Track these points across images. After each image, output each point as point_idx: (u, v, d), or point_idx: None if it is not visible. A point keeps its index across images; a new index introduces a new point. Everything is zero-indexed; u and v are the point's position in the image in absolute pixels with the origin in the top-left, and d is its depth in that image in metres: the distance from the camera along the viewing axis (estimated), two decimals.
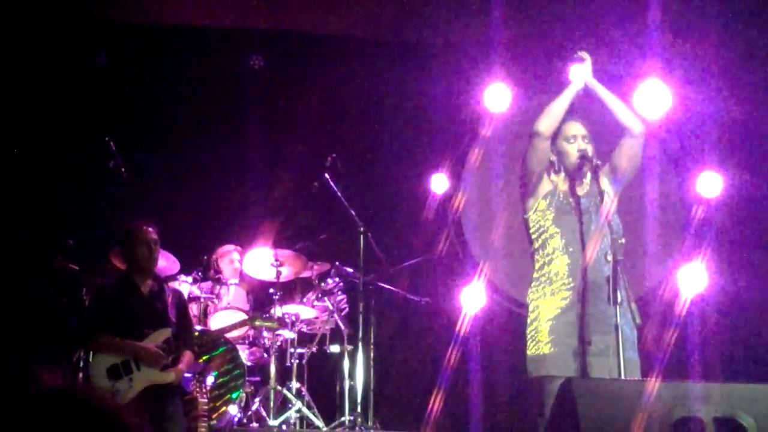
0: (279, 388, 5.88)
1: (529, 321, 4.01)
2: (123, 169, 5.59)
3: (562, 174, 4.12)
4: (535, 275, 4.03)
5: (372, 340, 6.16)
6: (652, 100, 6.11)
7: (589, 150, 4.04)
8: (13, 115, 6.54)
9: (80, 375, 5.17)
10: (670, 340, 5.13)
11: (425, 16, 6.75)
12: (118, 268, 5.64)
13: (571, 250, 3.94)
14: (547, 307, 3.91)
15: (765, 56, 6.25)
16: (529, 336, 3.97)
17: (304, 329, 6.42)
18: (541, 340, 3.87)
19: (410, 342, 7.04)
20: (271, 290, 6.15)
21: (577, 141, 4.07)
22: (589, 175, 4.06)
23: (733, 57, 6.29)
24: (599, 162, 3.94)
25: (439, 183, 6.67)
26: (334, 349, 6.40)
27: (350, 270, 6.27)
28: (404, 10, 6.75)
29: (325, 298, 6.38)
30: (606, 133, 4.16)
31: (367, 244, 6.02)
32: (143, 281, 4.93)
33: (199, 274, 6.42)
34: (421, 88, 6.92)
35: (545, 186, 4.09)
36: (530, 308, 4.03)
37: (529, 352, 3.93)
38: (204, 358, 5.79)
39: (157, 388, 4.72)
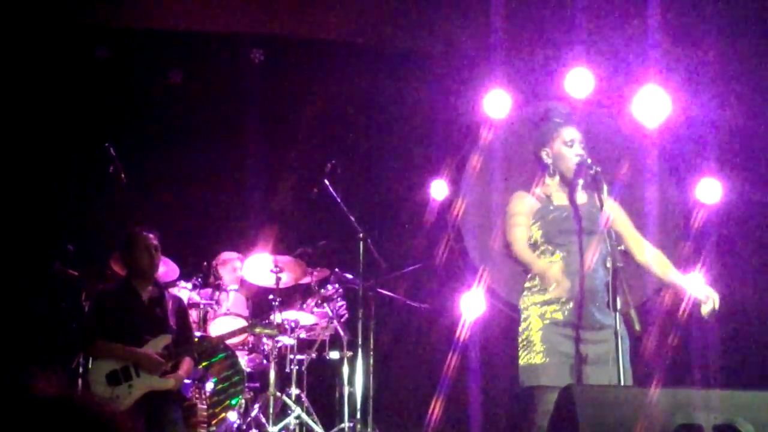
0: (278, 394, 5.88)
1: (520, 329, 3.96)
2: (123, 175, 5.59)
3: (557, 178, 4.11)
4: (527, 284, 4.00)
5: (371, 347, 6.15)
6: (651, 106, 6.15)
7: (586, 155, 4.03)
8: (12, 120, 6.54)
9: (79, 381, 5.17)
10: (670, 346, 5.13)
11: (425, 22, 6.76)
12: (118, 274, 5.65)
13: (565, 260, 3.90)
14: (539, 315, 3.88)
15: (764, 63, 6.25)
16: (521, 345, 3.92)
17: (304, 335, 6.42)
18: (534, 349, 3.83)
19: (410, 348, 7.04)
20: (271, 296, 6.14)
21: (575, 145, 4.06)
22: (582, 182, 4.05)
23: (733, 64, 6.30)
24: (599, 168, 3.92)
25: (438, 189, 6.67)
26: (334, 355, 6.40)
27: (350, 276, 6.27)
28: (404, 16, 6.76)
29: (325, 305, 6.38)
30: (606, 148, 4.13)
31: (366, 250, 6.01)
32: (144, 287, 4.93)
33: (199, 280, 6.43)
34: (421, 94, 6.92)
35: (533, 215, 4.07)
36: (522, 316, 3.98)
37: (521, 361, 3.88)
38: (203, 364, 5.79)
39: (157, 395, 4.72)
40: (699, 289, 3.96)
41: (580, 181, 4.06)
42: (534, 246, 3.99)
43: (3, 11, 6.30)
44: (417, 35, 6.88)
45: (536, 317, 3.88)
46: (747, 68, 6.30)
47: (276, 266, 6.12)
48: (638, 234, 4.17)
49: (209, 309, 6.33)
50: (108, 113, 6.71)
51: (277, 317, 6.00)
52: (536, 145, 4.16)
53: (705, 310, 3.91)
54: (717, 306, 3.87)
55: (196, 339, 5.39)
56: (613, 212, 3.99)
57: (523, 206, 4.05)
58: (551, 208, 4.01)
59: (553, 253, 3.93)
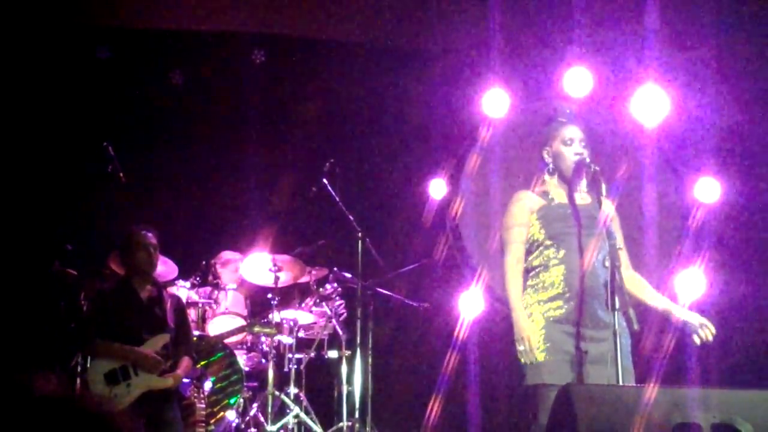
0: (277, 393, 5.88)
1: None
2: (121, 174, 5.59)
3: (556, 177, 4.12)
4: (530, 282, 4.00)
5: (370, 346, 6.15)
6: (650, 105, 6.15)
7: (586, 154, 4.04)
8: (12, 119, 6.54)
9: (78, 380, 5.18)
10: (668, 345, 5.13)
11: (425, 22, 6.76)
12: (116, 273, 5.65)
13: (567, 258, 3.91)
14: (541, 314, 3.89)
15: (763, 62, 6.25)
16: None
17: (302, 334, 6.42)
18: (537, 347, 3.85)
19: (408, 347, 7.04)
20: (270, 295, 6.15)
21: (574, 144, 4.07)
22: (585, 181, 4.06)
23: (731, 63, 6.30)
24: (597, 168, 3.93)
25: (437, 188, 6.67)
26: (332, 354, 6.40)
27: (348, 275, 6.27)
28: (403, 16, 6.77)
29: (324, 304, 6.38)
30: (605, 150, 4.13)
31: (365, 249, 6.02)
32: (142, 286, 4.93)
33: (198, 279, 6.43)
34: (420, 93, 6.93)
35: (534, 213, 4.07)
36: None
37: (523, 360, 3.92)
38: (202, 363, 5.79)
39: (155, 394, 4.72)
40: (690, 315, 3.94)
41: (583, 182, 4.07)
42: (537, 244, 4.00)
43: (3, 11, 6.31)
44: (417, 35, 6.89)
45: (539, 315, 3.89)
46: (746, 68, 6.30)
47: (275, 265, 6.13)
48: (624, 252, 4.15)
49: (208, 308, 6.34)
50: (108, 113, 6.71)
51: (275, 316, 6.01)
52: (540, 145, 4.19)
53: (704, 335, 3.88)
54: (714, 332, 3.85)
55: (195, 338, 5.39)
56: (610, 215, 4.00)
57: (522, 214, 4.05)
58: (553, 205, 4.02)
59: (558, 249, 3.94)
